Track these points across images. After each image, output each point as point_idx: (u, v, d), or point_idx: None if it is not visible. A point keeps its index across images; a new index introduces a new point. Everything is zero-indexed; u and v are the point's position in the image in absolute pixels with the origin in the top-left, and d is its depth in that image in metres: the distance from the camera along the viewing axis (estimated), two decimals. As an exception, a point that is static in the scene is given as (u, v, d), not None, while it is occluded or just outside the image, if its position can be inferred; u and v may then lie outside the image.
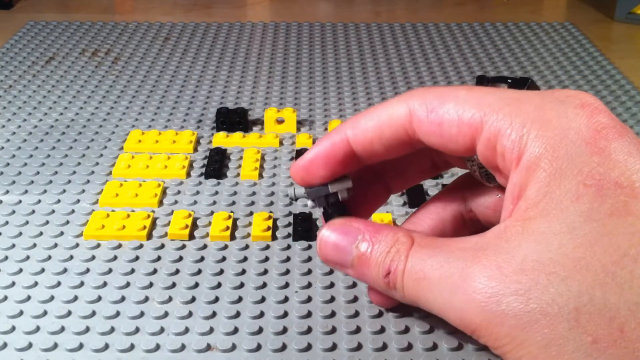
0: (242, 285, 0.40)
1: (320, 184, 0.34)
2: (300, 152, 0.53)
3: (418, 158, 0.36)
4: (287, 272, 0.41)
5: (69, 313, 0.38)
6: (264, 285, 0.40)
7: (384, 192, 0.37)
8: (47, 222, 0.45)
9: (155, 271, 0.41)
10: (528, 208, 0.28)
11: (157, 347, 0.36)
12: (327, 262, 0.34)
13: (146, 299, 0.39)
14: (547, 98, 0.30)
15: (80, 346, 0.36)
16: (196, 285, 0.40)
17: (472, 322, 0.28)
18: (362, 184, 0.36)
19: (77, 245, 0.43)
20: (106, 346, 0.36)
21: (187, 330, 0.37)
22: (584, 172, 0.28)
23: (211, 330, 0.37)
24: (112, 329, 0.37)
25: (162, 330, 0.37)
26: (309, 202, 0.34)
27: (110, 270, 0.41)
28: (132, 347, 0.36)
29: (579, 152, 0.28)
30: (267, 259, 0.42)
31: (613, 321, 0.26)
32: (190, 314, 0.38)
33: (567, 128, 0.28)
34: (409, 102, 0.31)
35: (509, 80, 0.46)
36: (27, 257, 0.42)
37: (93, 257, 0.42)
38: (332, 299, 0.39)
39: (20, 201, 0.47)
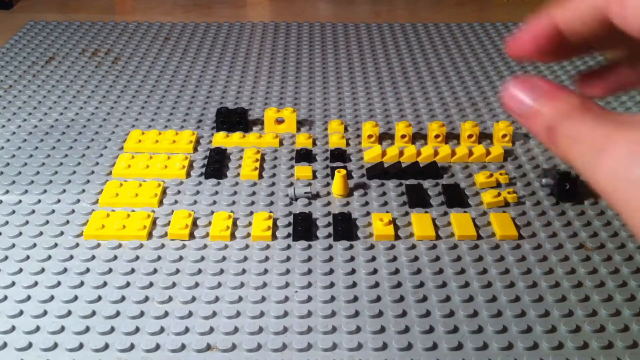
0: (242, 285, 0.40)
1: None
2: (300, 152, 0.53)
3: None
4: (287, 272, 0.41)
5: (69, 313, 0.38)
6: (264, 285, 0.40)
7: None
8: (47, 222, 0.45)
9: (155, 271, 0.41)
10: None
11: (157, 347, 0.36)
12: (505, 107, 0.37)
13: (146, 298, 0.39)
14: None
15: (80, 346, 0.36)
16: (196, 285, 0.40)
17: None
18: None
19: (77, 245, 0.43)
20: (106, 346, 0.36)
21: (187, 330, 0.37)
22: None
23: (211, 330, 0.37)
24: (112, 329, 0.37)
25: (162, 330, 0.37)
26: None
27: (110, 270, 0.41)
28: (132, 347, 0.36)
29: None
30: (267, 259, 0.42)
31: None
32: (190, 314, 0.38)
33: None
34: None
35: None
36: (27, 257, 0.42)
37: (93, 257, 0.42)
38: (332, 299, 0.39)
39: (20, 201, 0.47)
